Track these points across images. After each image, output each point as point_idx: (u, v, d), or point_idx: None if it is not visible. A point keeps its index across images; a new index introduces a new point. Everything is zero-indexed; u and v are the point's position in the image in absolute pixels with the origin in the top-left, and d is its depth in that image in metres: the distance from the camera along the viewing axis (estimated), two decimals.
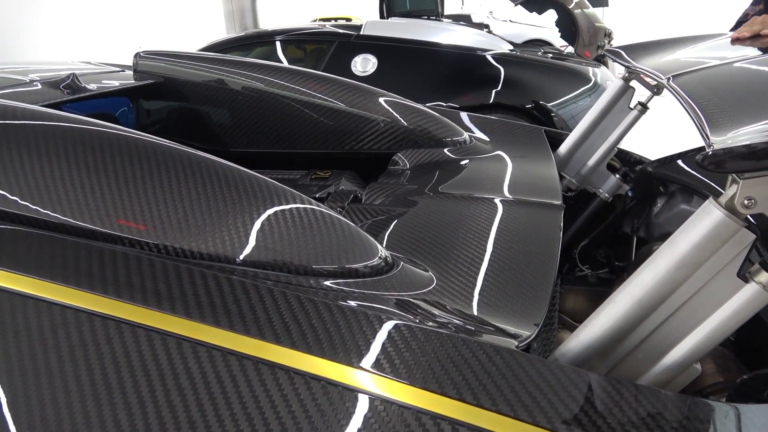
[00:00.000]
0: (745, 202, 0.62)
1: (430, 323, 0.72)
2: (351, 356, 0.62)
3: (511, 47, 4.64)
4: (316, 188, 1.64)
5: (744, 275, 0.66)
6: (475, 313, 0.79)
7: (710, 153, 0.58)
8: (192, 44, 4.71)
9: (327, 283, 0.83)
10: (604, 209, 1.77)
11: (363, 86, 1.85)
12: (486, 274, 0.91)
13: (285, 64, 4.33)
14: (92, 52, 7.89)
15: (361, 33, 4.09)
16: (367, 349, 0.63)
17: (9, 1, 9.59)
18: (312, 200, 0.97)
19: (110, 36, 10.99)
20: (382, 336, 0.64)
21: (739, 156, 0.57)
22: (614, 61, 1.61)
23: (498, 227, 1.12)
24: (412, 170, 1.60)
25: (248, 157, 1.90)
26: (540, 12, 7.30)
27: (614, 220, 1.79)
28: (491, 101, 3.86)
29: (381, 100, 1.80)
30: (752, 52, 1.36)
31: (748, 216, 0.63)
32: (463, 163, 1.58)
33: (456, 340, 0.65)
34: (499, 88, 3.87)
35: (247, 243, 0.85)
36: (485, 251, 1.00)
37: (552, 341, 0.96)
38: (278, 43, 4.39)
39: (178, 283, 0.71)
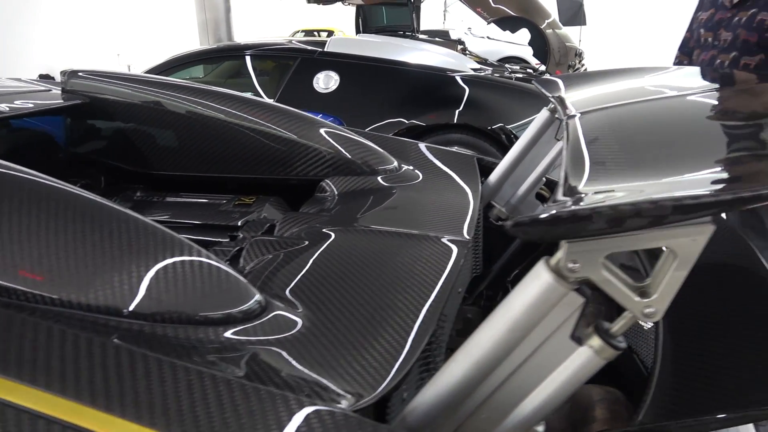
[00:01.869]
0: (570, 265, 0.60)
1: (268, 379, 0.70)
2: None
3: (478, 67, 4.67)
4: (237, 215, 1.62)
5: (577, 338, 0.65)
6: (324, 366, 0.77)
7: (513, 223, 0.57)
8: (166, 53, 4.67)
9: (185, 332, 0.81)
10: None
11: (296, 112, 1.83)
12: (354, 321, 0.89)
13: (253, 78, 4.31)
14: (69, 60, 7.81)
15: (325, 50, 4.09)
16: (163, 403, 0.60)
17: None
18: (192, 246, 0.95)
19: (86, 44, 10.91)
20: (192, 394, 0.61)
21: (544, 224, 0.56)
22: (538, 89, 1.62)
23: (391, 266, 1.10)
24: (336, 198, 1.58)
25: (177, 180, 1.87)
26: (513, 30, 7.39)
27: (547, 247, 1.78)
28: (455, 121, 3.87)
29: (313, 126, 1.78)
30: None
31: (577, 279, 0.62)
32: (384, 192, 1.57)
33: (280, 400, 0.63)
34: (461, 108, 3.88)
35: (105, 291, 0.82)
36: (366, 293, 0.98)
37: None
38: (246, 58, 4.37)
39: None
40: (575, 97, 1.40)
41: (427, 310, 0.93)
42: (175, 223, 1.62)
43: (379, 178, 1.66)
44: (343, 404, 0.68)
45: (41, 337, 0.68)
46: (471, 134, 3.86)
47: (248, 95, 1.89)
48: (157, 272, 0.87)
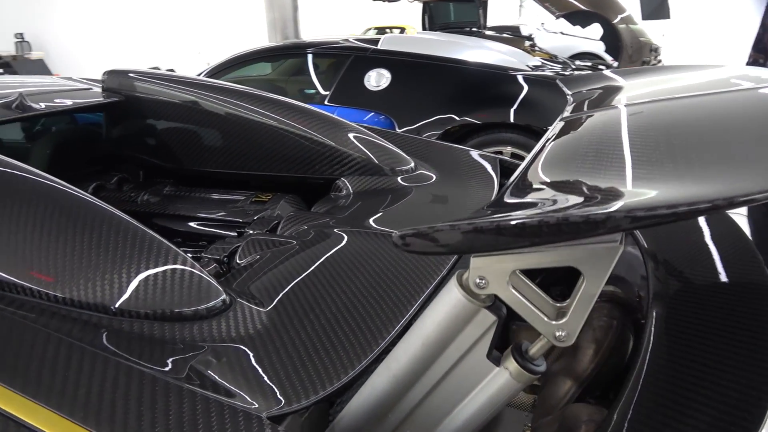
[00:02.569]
0: (477, 281, 0.57)
1: (201, 376, 0.71)
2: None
3: (539, 64, 4.52)
4: (251, 211, 1.65)
5: (494, 358, 0.61)
6: (266, 367, 0.77)
7: (398, 235, 0.54)
8: (236, 50, 4.84)
9: (154, 326, 0.84)
10: None
11: (319, 113, 1.85)
12: (315, 325, 0.88)
13: (312, 75, 4.39)
14: (151, 58, 8.31)
15: (378, 47, 4.08)
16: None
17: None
18: (171, 249, 0.98)
19: (172, 43, 11.54)
20: (105, 383, 0.63)
21: (431, 238, 0.53)
22: (561, 87, 1.54)
23: (377, 271, 1.08)
24: (350, 196, 1.59)
25: (205, 176, 1.93)
26: (583, 25, 7.09)
27: None
28: (511, 120, 3.76)
29: (334, 127, 1.79)
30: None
31: (487, 296, 0.58)
32: (397, 193, 1.56)
33: (200, 400, 0.64)
34: (516, 107, 3.77)
35: (77, 283, 0.86)
36: (339, 298, 0.97)
37: None
38: (305, 55, 4.45)
39: None
40: (586, 98, 1.33)
41: (389, 321, 0.91)
42: (192, 217, 1.68)
43: (393, 179, 1.64)
44: (262, 408, 0.67)
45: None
46: (524, 134, 3.74)
47: (281, 97, 1.92)
48: (126, 270, 0.90)
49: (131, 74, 1.94)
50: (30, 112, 1.61)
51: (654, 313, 0.99)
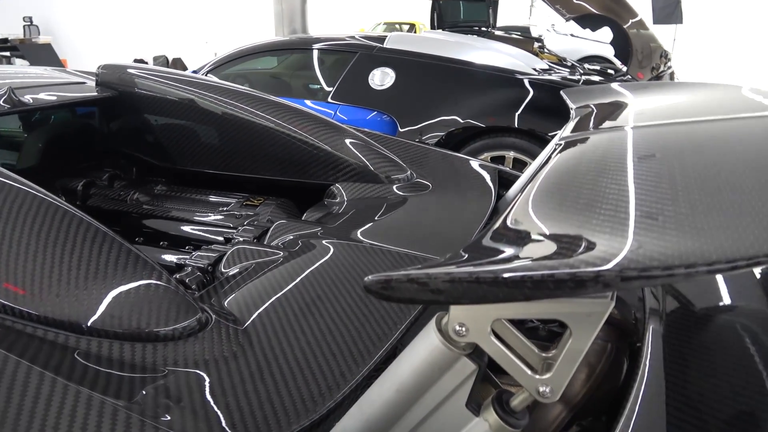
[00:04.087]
0: (457, 328, 0.53)
1: (174, 399, 0.68)
2: None
3: (546, 67, 4.46)
4: (241, 216, 1.62)
5: (474, 407, 0.57)
6: (236, 394, 0.73)
7: (370, 281, 0.50)
8: (245, 42, 4.80)
9: (123, 348, 0.80)
10: None
11: (317, 116, 1.81)
12: (294, 349, 0.84)
13: (317, 71, 4.34)
14: (158, 46, 8.27)
15: (384, 46, 4.03)
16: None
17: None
18: (147, 263, 0.94)
19: (179, 32, 11.50)
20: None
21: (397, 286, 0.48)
22: (564, 99, 1.50)
23: (362, 289, 1.04)
24: (344, 204, 1.55)
25: (198, 176, 1.90)
26: (594, 29, 7.01)
27: None
28: (516, 125, 3.71)
29: (332, 131, 1.75)
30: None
31: (468, 343, 0.54)
32: (390, 202, 1.52)
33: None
34: (521, 111, 3.72)
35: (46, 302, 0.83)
36: (322, 318, 0.93)
37: None
38: (310, 51, 4.40)
39: None
40: (590, 114, 1.29)
41: (366, 352, 0.87)
42: (181, 219, 1.64)
43: (389, 187, 1.61)
44: None
45: None
46: (528, 139, 3.69)
47: (279, 99, 1.88)
48: (99, 285, 0.87)
49: (127, 69, 1.91)
50: (19, 107, 1.57)
51: (650, 336, 0.94)
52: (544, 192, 0.71)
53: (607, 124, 1.09)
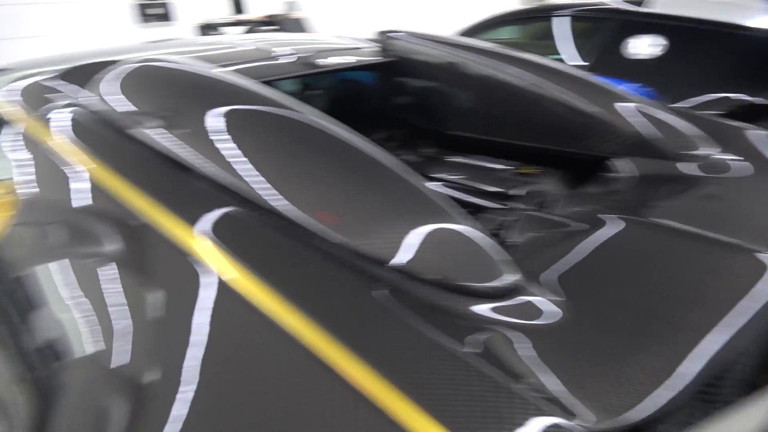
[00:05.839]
0: None
1: (499, 366, 0.66)
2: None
3: None
4: (518, 183, 1.56)
5: None
6: (568, 369, 0.69)
7: None
8: (483, 13, 4.77)
9: (435, 295, 0.81)
10: None
11: (597, 82, 1.66)
12: (620, 327, 0.77)
13: (568, 42, 4.09)
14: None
15: (649, 11, 3.62)
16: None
17: None
18: (454, 213, 0.95)
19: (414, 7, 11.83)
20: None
21: None
22: None
23: (682, 272, 0.92)
24: (628, 180, 1.40)
25: (466, 141, 1.90)
26: None
27: None
28: None
29: (614, 98, 1.59)
30: None
31: None
32: (691, 183, 1.32)
33: (518, 401, 0.59)
34: None
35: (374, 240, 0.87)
36: (642, 299, 0.84)
37: None
38: (560, 19, 4.16)
39: None
40: None
41: (714, 335, 0.76)
42: (452, 182, 1.65)
43: (685, 165, 1.40)
44: (580, 422, 0.60)
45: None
46: None
47: (554, 61, 1.78)
48: (419, 232, 0.88)
49: (407, 35, 1.97)
50: (313, 70, 1.73)
51: None
52: None
53: None
